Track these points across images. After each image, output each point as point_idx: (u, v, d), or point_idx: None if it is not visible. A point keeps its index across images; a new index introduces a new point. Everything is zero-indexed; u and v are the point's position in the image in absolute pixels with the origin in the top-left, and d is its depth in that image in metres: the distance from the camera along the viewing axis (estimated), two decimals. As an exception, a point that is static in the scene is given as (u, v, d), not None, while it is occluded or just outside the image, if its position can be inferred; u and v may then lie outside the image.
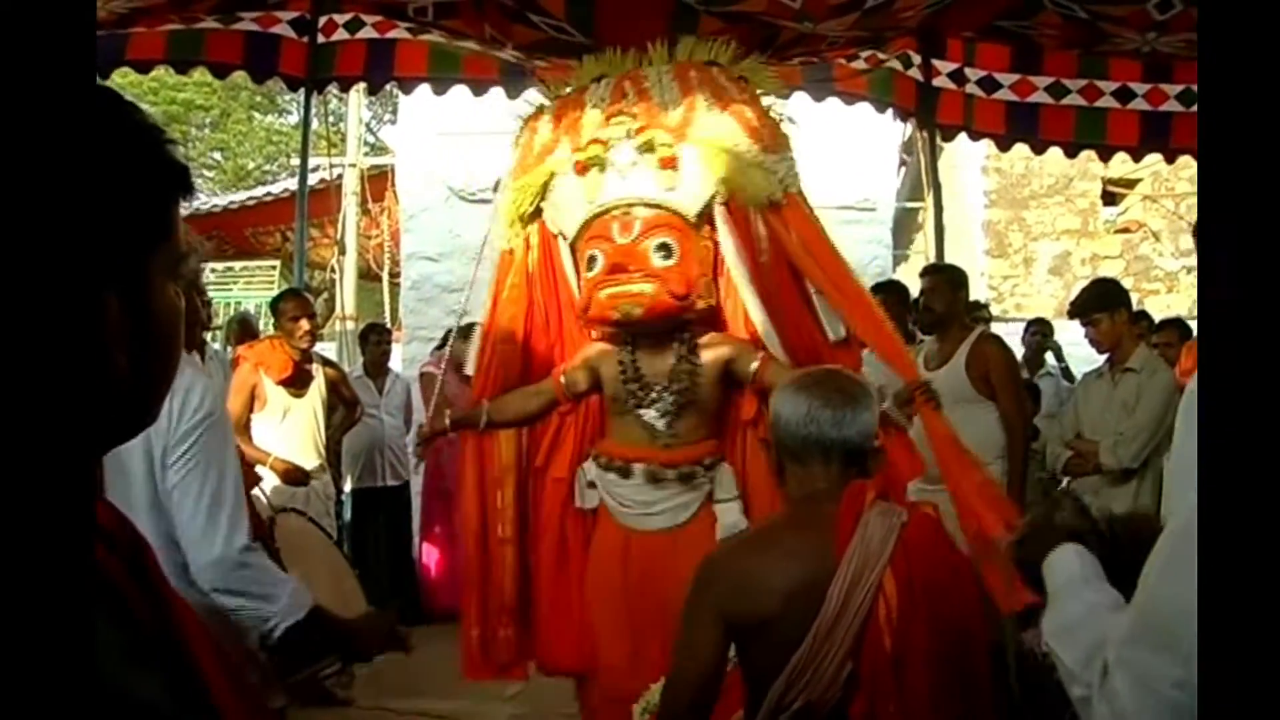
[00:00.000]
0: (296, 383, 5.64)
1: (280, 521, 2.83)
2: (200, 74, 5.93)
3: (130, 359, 0.84)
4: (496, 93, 5.68)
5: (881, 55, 5.83)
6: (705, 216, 3.66)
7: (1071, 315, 5.35)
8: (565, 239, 3.86)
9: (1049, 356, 7.96)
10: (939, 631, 1.95)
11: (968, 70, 5.95)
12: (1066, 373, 7.73)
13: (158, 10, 4.94)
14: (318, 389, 5.81)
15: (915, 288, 6.78)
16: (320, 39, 5.44)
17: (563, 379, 3.84)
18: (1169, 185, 11.88)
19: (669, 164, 3.57)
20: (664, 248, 3.54)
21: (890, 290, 6.30)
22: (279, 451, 5.51)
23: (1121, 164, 11.52)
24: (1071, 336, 6.55)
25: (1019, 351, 7.63)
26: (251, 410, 5.55)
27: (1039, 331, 7.96)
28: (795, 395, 2.16)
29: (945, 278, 5.18)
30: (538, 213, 3.90)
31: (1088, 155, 9.86)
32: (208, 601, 2.14)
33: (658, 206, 3.58)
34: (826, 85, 6.06)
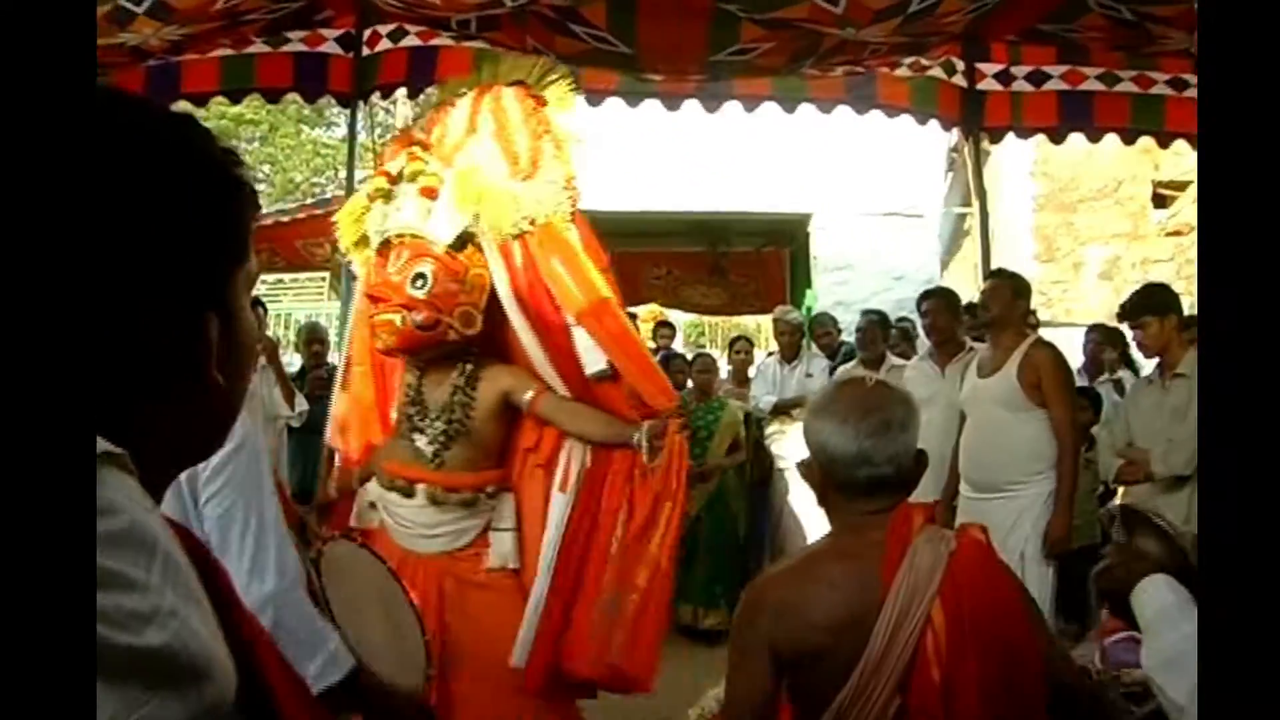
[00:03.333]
0: None
1: (328, 552, 2.63)
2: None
3: (224, 374, 0.88)
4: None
5: (925, 61, 5.79)
6: (471, 243, 3.64)
7: (1120, 318, 5.29)
8: None
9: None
10: (989, 662, 1.89)
11: (1013, 69, 5.89)
12: (1119, 385, 7.55)
13: (207, 35, 5.01)
14: None
15: (964, 294, 6.75)
16: (365, 51, 5.49)
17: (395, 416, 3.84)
18: (1222, 186, 11.70)
19: (429, 193, 3.57)
20: (420, 277, 3.53)
21: (940, 296, 6.27)
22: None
23: (1172, 165, 11.42)
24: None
25: (1076, 357, 7.55)
26: None
27: (1097, 339, 7.81)
28: (843, 428, 2.05)
29: (1007, 282, 5.17)
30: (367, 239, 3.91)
31: (1137, 158, 9.67)
32: None
33: (418, 236, 3.58)
34: (869, 99, 6.05)
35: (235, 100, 5.97)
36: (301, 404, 6.82)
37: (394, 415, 3.84)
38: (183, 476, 1.92)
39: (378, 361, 3.97)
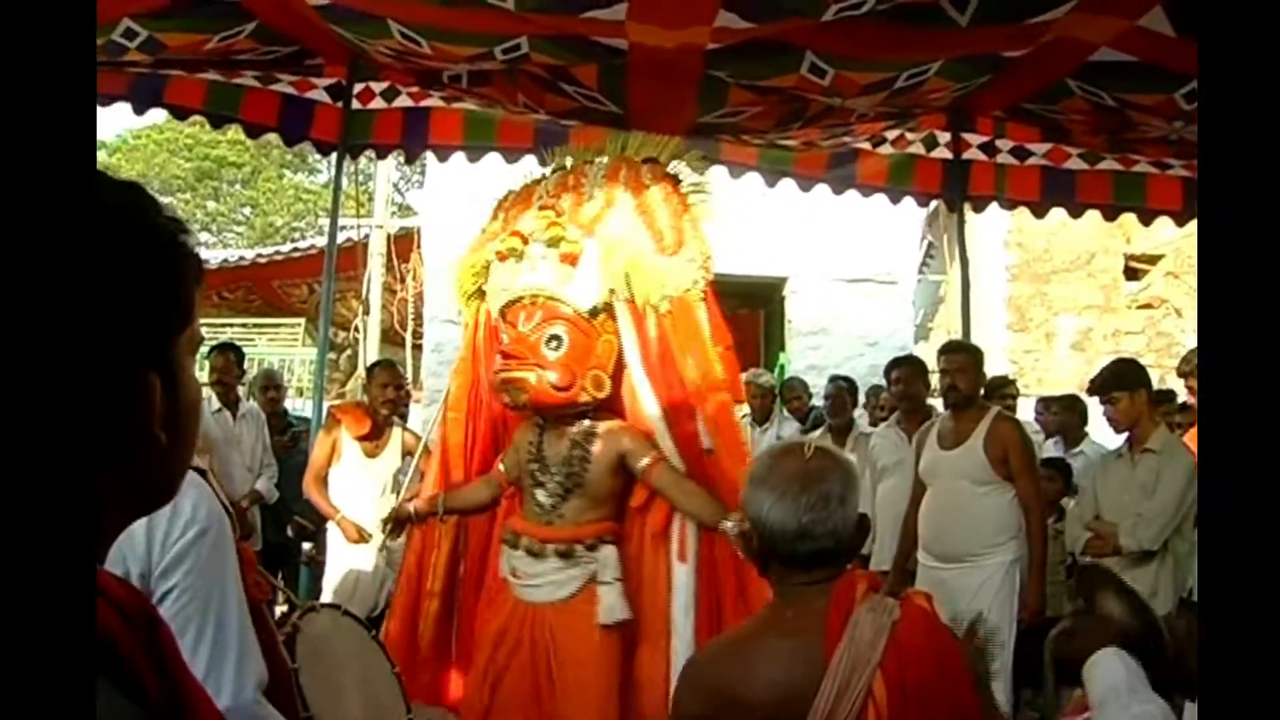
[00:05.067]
0: (372, 437, 6.01)
1: (305, 627, 2.52)
2: (234, 130, 6.01)
3: (166, 434, 0.92)
4: (528, 159, 5.71)
5: (910, 135, 5.87)
6: (604, 311, 3.82)
7: (1091, 392, 5.33)
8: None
9: (1050, 441, 7.61)
10: None
11: (998, 142, 5.98)
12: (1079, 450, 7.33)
13: (197, 62, 5.01)
14: (394, 452, 6.08)
15: (933, 362, 6.78)
16: (356, 105, 5.49)
17: (501, 467, 4.05)
18: (1191, 261, 11.87)
19: (569, 260, 3.75)
20: (555, 339, 3.73)
21: (909, 364, 6.32)
22: (348, 506, 5.85)
23: (1144, 239, 11.57)
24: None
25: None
26: (330, 463, 5.97)
27: (1063, 408, 7.74)
28: (782, 503, 2.00)
29: (972, 358, 5.16)
30: (482, 292, 4.13)
31: (1109, 231, 9.72)
32: None
33: (554, 299, 3.76)
34: (849, 179, 6.15)
35: (216, 125, 5.87)
36: (270, 486, 6.78)
37: (502, 466, 4.04)
38: (130, 561, 1.72)
39: (473, 410, 4.24)
